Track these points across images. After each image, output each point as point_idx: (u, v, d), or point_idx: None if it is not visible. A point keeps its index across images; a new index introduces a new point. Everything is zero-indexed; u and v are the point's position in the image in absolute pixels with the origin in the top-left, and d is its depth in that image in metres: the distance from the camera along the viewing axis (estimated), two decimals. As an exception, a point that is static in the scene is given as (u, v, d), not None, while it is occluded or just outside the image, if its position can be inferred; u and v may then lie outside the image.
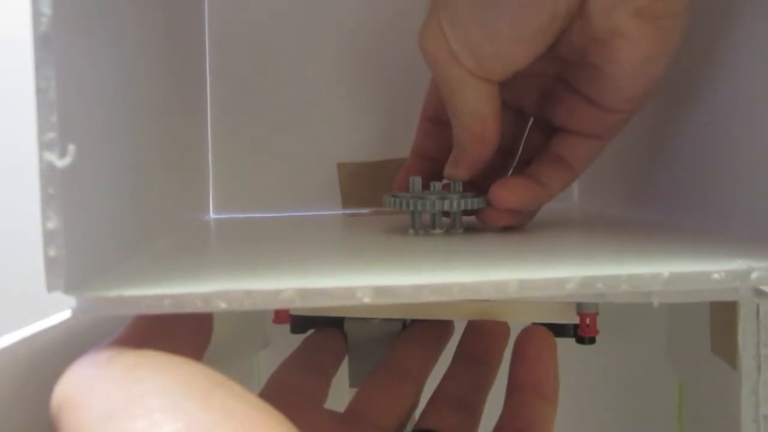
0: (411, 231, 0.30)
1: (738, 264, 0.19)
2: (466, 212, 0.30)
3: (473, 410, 0.28)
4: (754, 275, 0.19)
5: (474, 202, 0.29)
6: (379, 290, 0.18)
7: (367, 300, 0.18)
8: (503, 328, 0.31)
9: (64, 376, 0.16)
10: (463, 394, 0.28)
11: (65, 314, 0.21)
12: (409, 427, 0.28)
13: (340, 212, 0.41)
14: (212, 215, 0.40)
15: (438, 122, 0.32)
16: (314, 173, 0.41)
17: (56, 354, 0.20)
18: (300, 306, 0.18)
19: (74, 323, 0.21)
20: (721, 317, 0.31)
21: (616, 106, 0.27)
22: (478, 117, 0.27)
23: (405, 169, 0.32)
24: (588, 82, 0.27)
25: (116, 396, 0.14)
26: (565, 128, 0.29)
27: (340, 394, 0.31)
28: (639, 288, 0.19)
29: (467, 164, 0.29)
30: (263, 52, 0.40)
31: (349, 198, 0.41)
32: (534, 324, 0.30)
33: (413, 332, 0.31)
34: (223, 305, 0.17)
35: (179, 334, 0.19)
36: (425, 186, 0.30)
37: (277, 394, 0.27)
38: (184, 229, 0.32)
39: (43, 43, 0.17)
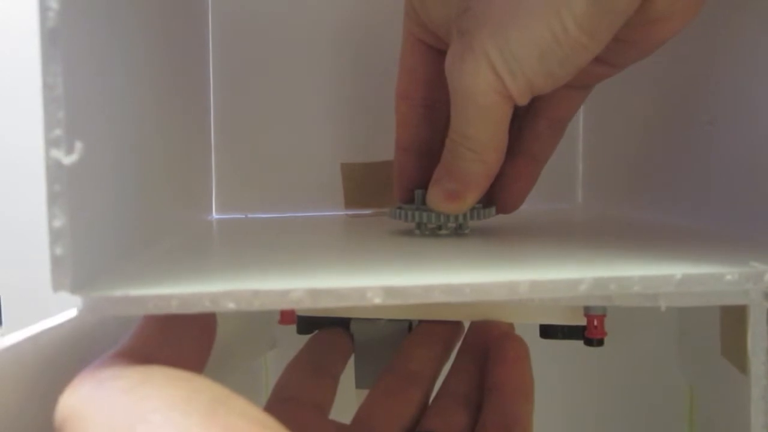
0: (417, 232, 0.29)
1: (751, 266, 0.19)
2: None
3: (477, 405, 0.28)
4: (767, 276, 0.19)
5: (483, 213, 0.28)
6: (389, 291, 0.18)
7: (377, 300, 0.17)
8: (509, 327, 0.31)
9: (69, 389, 0.16)
10: (468, 389, 0.28)
11: (71, 313, 0.21)
12: None
13: (342, 213, 0.41)
14: (215, 215, 0.40)
15: (428, 106, 0.30)
16: (317, 174, 0.41)
17: (62, 352, 0.20)
18: (309, 306, 0.17)
19: (80, 322, 0.21)
20: (731, 320, 0.31)
21: (627, 64, 0.27)
22: (500, 148, 0.26)
23: (399, 173, 0.31)
24: (606, 50, 0.25)
25: (120, 413, 0.14)
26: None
27: (345, 394, 0.31)
28: (651, 289, 0.19)
29: (475, 197, 0.27)
30: (266, 53, 0.40)
31: (351, 199, 0.41)
32: (542, 325, 0.30)
33: (421, 333, 0.30)
34: (231, 305, 0.17)
35: (184, 341, 0.19)
36: (426, 183, 0.30)
37: (283, 404, 0.27)
38: (188, 229, 0.32)
39: (50, 38, 0.16)
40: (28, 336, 0.18)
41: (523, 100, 0.25)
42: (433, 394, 0.29)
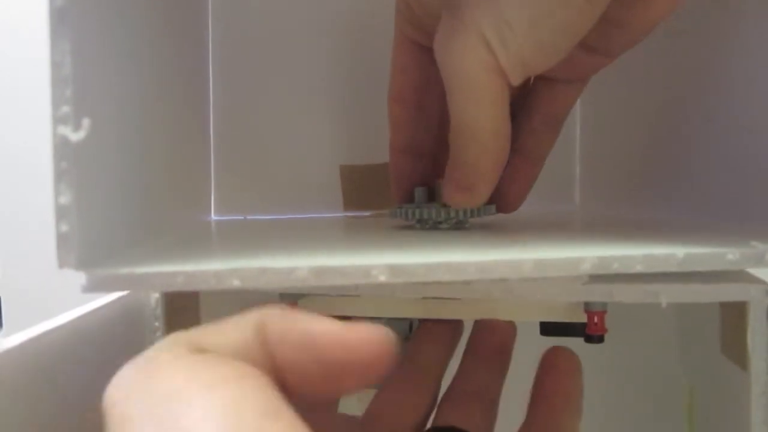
0: (417, 226, 0.29)
1: (752, 245, 0.19)
2: None
3: (490, 404, 0.27)
4: (768, 256, 0.19)
5: (483, 210, 0.29)
6: (393, 269, 0.18)
7: (382, 278, 0.18)
8: (511, 325, 0.31)
9: (118, 376, 0.15)
10: (478, 388, 0.28)
11: (71, 314, 0.21)
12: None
13: (341, 215, 0.41)
14: (213, 217, 0.40)
15: (421, 108, 0.30)
16: (316, 175, 0.41)
17: (64, 352, 0.20)
18: (314, 284, 0.17)
19: (82, 323, 0.21)
20: (731, 318, 0.31)
21: (618, 52, 0.26)
22: (502, 134, 0.26)
23: (396, 175, 0.31)
24: (597, 35, 0.25)
25: (161, 422, 0.13)
26: (554, 78, 0.28)
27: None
28: (654, 269, 0.19)
29: (486, 188, 0.27)
30: (266, 54, 0.40)
31: (350, 200, 0.41)
32: (542, 323, 0.30)
33: (424, 332, 0.30)
34: (236, 283, 0.17)
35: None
36: (424, 184, 0.30)
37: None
38: (187, 227, 0.32)
39: (59, 17, 0.16)
40: (30, 337, 0.18)
41: (515, 77, 0.24)
42: (440, 397, 0.29)
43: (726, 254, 0.19)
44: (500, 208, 0.30)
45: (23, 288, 0.38)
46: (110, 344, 0.24)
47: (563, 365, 0.28)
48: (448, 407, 0.27)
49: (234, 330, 0.16)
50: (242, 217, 0.40)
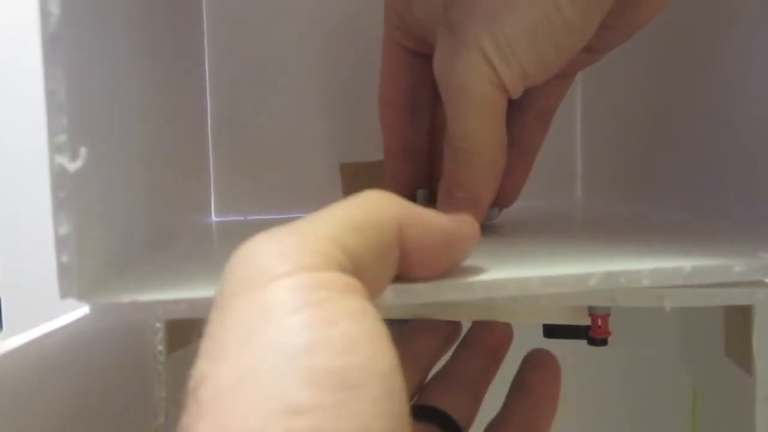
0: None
1: (759, 257, 0.19)
2: None
3: (476, 393, 0.28)
4: (776, 268, 0.19)
5: (487, 214, 0.28)
6: (399, 290, 0.17)
7: (388, 301, 0.17)
8: (509, 329, 0.31)
9: (253, 240, 0.15)
10: (467, 378, 0.28)
11: (73, 315, 0.21)
12: None
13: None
14: (214, 218, 0.40)
15: (412, 110, 0.30)
16: (316, 174, 0.41)
17: (65, 355, 0.20)
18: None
19: (86, 323, 0.21)
20: (736, 320, 0.31)
21: (607, 50, 0.27)
22: (502, 144, 0.26)
23: (392, 179, 0.31)
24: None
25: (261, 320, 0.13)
26: None
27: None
28: (661, 282, 0.19)
29: (489, 200, 0.27)
30: (263, 54, 0.40)
31: (351, 200, 0.41)
32: (545, 325, 0.30)
33: (422, 323, 0.30)
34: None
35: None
36: (421, 187, 0.30)
37: None
38: (188, 232, 0.32)
39: (52, 43, 0.16)
40: (30, 339, 0.18)
41: (516, 92, 0.25)
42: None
43: (733, 266, 0.19)
44: (498, 203, 0.30)
45: (23, 289, 0.37)
46: (111, 346, 0.24)
47: (548, 366, 0.28)
48: (434, 390, 0.27)
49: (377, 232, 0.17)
50: (243, 218, 0.40)
